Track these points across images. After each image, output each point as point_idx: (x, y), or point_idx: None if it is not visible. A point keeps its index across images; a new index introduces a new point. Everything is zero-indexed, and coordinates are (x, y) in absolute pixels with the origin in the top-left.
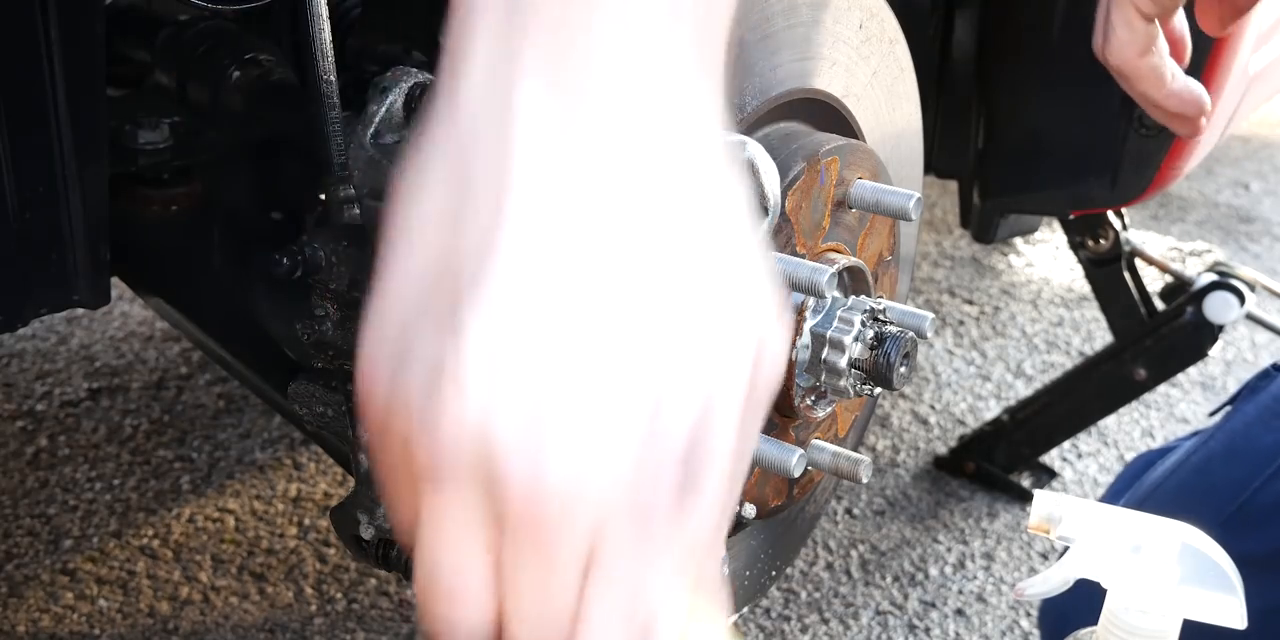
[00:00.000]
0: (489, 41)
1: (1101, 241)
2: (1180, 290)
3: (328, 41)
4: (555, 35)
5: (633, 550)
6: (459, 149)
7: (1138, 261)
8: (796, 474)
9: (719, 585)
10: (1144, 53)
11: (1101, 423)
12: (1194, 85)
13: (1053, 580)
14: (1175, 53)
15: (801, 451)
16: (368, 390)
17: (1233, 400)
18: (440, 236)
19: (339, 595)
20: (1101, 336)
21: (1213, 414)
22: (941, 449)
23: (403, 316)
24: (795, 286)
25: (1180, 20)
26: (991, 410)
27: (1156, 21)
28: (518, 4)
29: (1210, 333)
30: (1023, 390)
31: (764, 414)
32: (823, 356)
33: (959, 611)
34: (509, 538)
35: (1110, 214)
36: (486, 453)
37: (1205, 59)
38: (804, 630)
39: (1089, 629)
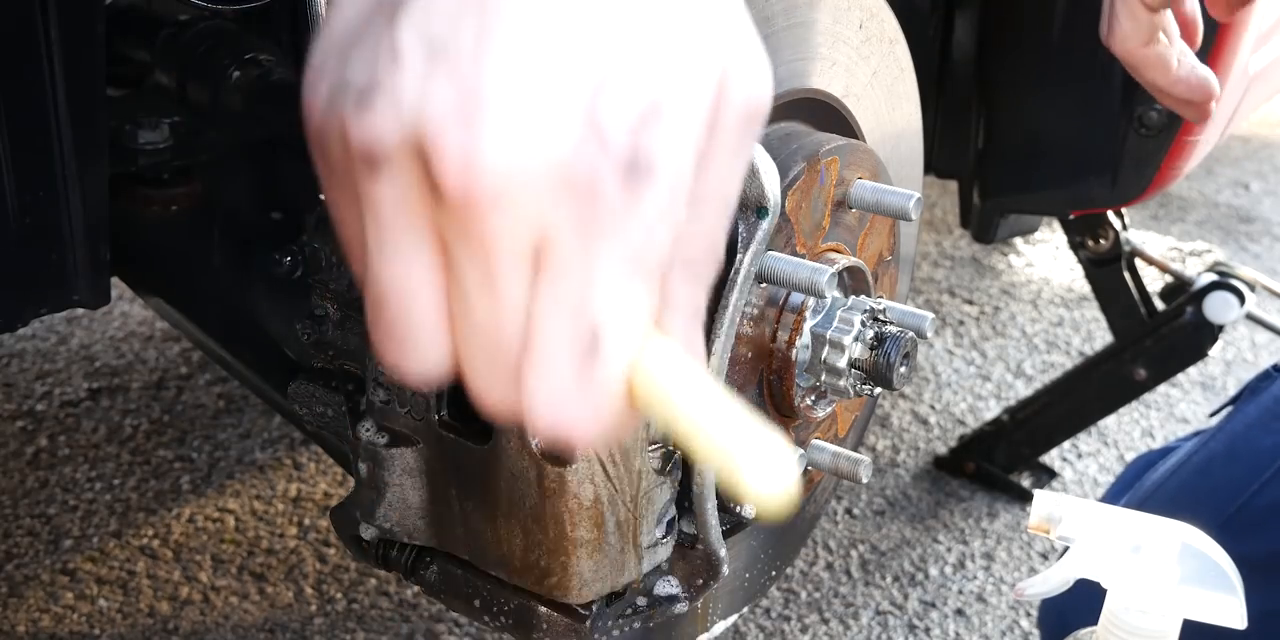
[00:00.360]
0: None
1: (1101, 241)
2: (1180, 290)
3: None
4: None
5: (578, 236)
6: None
7: (1138, 261)
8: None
9: (694, 314)
10: (1148, 42)
11: (1101, 423)
12: (1201, 70)
13: (1053, 580)
14: (1187, 35)
15: (801, 452)
16: (309, 100)
17: (1233, 401)
18: None
19: (339, 595)
20: (1101, 336)
21: (1213, 415)
22: (941, 449)
23: (345, 34)
24: (795, 287)
25: (1192, 2)
26: (991, 410)
27: (1162, 11)
28: None
29: (1210, 333)
30: (1023, 390)
31: (747, 141)
32: (823, 356)
33: (959, 611)
34: (450, 228)
35: (1110, 214)
36: (421, 130)
37: (1205, 59)
38: (804, 630)
39: (1089, 629)
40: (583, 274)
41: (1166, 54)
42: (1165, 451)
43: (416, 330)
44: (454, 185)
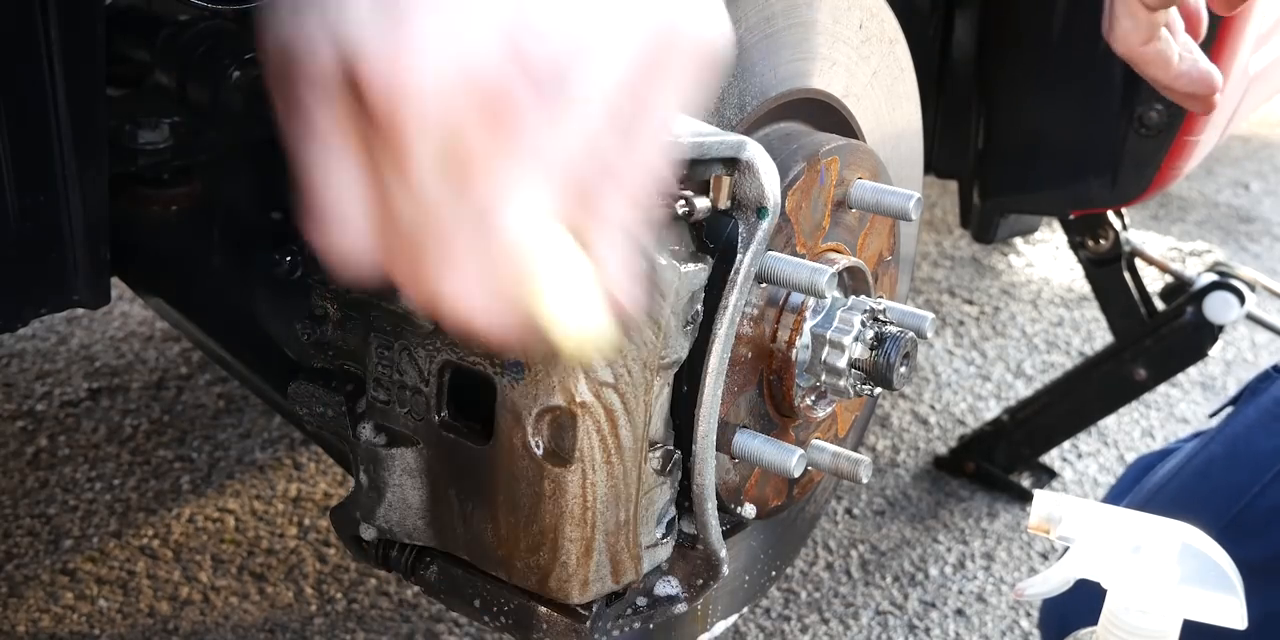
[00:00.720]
0: None
1: (1101, 241)
2: (1180, 290)
3: None
4: None
5: (485, 140)
6: None
7: (1138, 261)
8: (796, 474)
9: (623, 231)
10: (1148, 40)
11: (1101, 423)
12: (1203, 63)
13: (1053, 580)
14: (1191, 28)
15: (801, 452)
16: (270, 32)
17: (1233, 402)
18: None
19: (339, 595)
20: (1101, 336)
21: (1212, 416)
22: (941, 449)
23: None
24: (795, 287)
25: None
26: (991, 410)
27: (1162, 10)
28: None
29: (1210, 333)
30: (1023, 390)
31: (692, 82)
32: (823, 357)
33: (959, 611)
34: (373, 128)
35: (1110, 214)
36: (348, 47)
37: None
38: (804, 630)
39: (1089, 629)
40: (485, 173)
41: (1167, 51)
42: (1165, 453)
43: (343, 219)
44: (374, 85)
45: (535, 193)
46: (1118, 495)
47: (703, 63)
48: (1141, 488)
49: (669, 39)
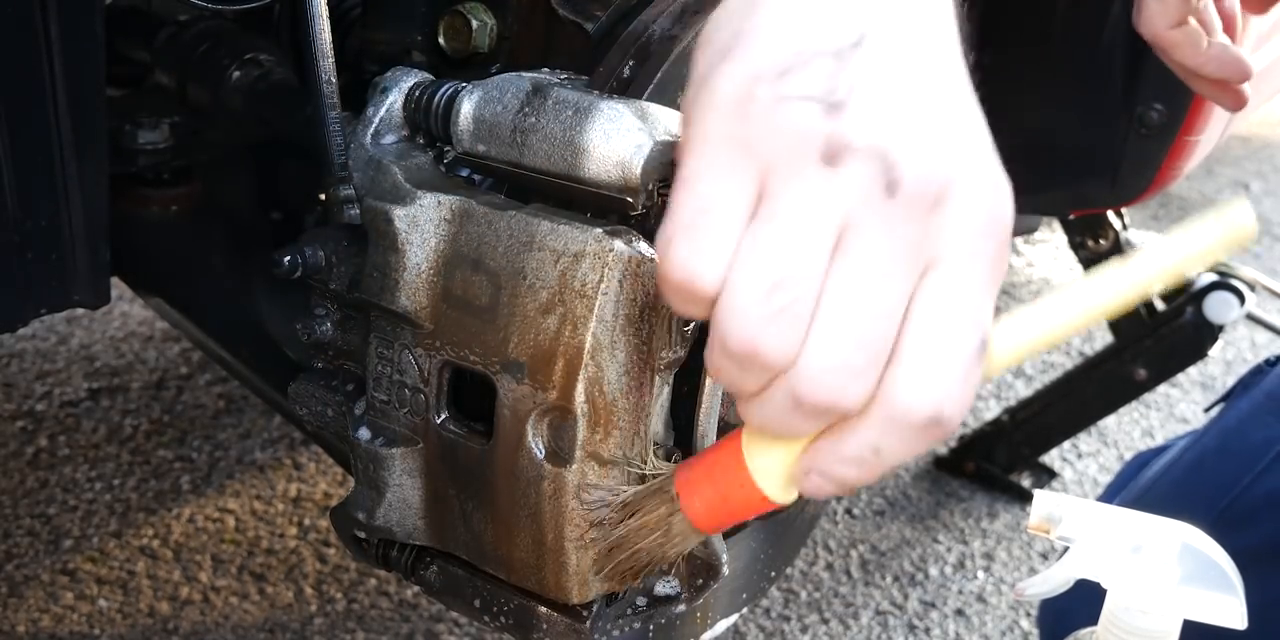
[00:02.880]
0: None
1: (1101, 241)
2: (1180, 290)
3: (328, 41)
4: None
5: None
6: None
7: None
8: None
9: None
10: (1176, 24)
11: (1101, 423)
12: (1232, 48)
13: (1053, 580)
14: (1228, 29)
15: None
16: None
17: (1227, 396)
18: None
19: (339, 595)
20: (1101, 336)
21: (1208, 410)
22: (941, 449)
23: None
24: None
25: (1232, 1)
26: (991, 410)
27: None
28: None
29: (1210, 333)
30: (1023, 390)
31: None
32: None
33: (959, 611)
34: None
35: (1110, 214)
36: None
37: None
38: (804, 630)
39: (1089, 629)
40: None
41: (1195, 34)
42: (1160, 450)
43: (711, 244)
44: (910, 184)
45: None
46: (1114, 491)
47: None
48: (1136, 483)
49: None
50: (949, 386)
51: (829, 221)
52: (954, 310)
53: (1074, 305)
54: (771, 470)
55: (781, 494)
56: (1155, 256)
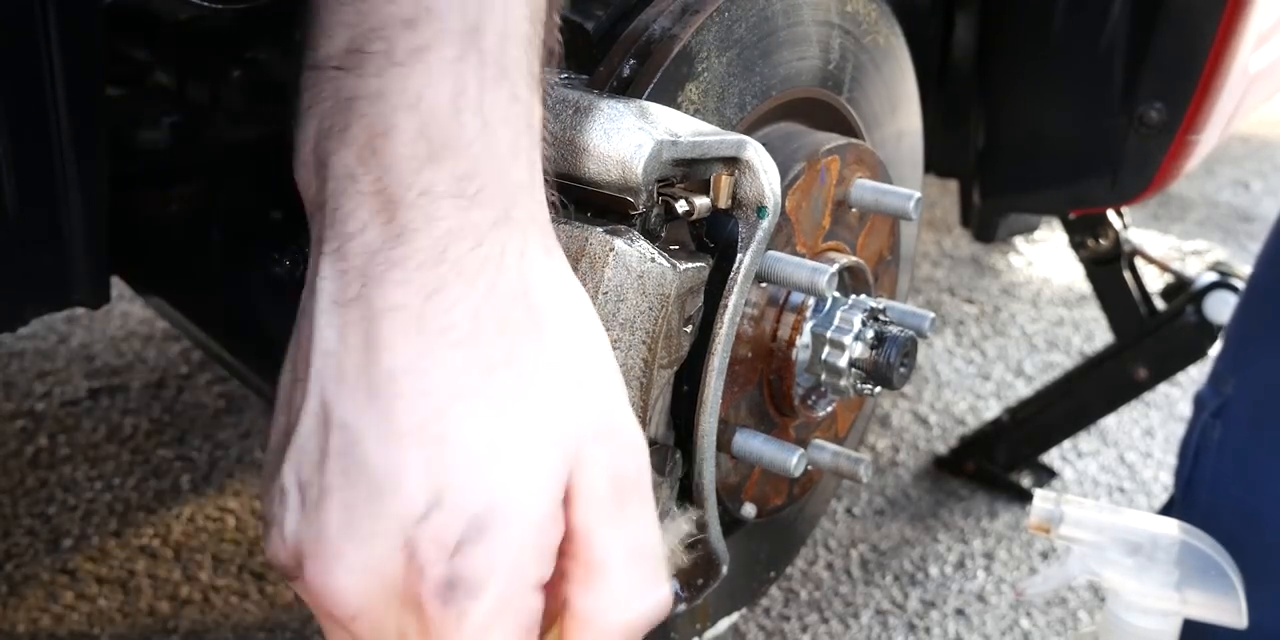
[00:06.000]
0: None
1: (1102, 241)
2: (1180, 290)
3: None
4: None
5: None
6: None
7: (1138, 261)
8: (797, 474)
9: None
10: None
11: (1101, 423)
12: None
13: (1053, 580)
14: None
15: (802, 451)
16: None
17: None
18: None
19: None
20: (1101, 336)
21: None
22: (941, 449)
23: (274, 455)
24: (795, 286)
25: None
26: (991, 410)
27: None
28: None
29: (1210, 332)
30: (1023, 390)
31: (627, 507)
32: (823, 356)
33: (959, 611)
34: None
35: (1110, 213)
36: (291, 562)
37: (1206, 59)
38: (804, 630)
39: (1089, 629)
40: None
41: None
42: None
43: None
44: (317, 606)
45: None
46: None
47: (629, 487)
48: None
49: (585, 480)
50: None
51: None
52: None
53: None
54: None
55: None
56: None
